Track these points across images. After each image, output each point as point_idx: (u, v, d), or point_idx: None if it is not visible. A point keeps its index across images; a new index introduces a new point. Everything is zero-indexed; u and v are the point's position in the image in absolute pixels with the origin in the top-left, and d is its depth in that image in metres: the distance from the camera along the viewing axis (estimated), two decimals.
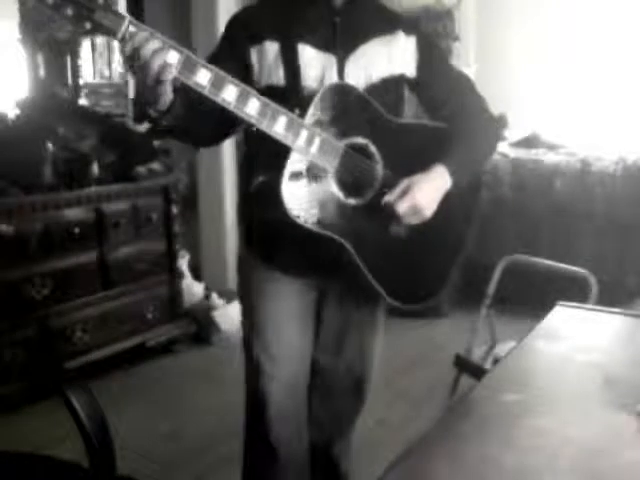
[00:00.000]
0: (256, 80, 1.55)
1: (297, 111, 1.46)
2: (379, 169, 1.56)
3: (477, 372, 2.32)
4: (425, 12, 4.72)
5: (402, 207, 1.49)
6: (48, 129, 3.12)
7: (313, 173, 1.49)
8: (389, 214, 1.52)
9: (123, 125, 3.58)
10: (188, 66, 1.34)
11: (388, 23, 1.63)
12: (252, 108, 1.40)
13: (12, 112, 3.23)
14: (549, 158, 4.17)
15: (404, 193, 1.50)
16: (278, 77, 1.54)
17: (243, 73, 1.52)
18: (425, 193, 1.51)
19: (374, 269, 1.57)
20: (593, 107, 4.50)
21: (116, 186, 3.29)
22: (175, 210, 3.55)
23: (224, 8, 3.93)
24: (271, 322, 1.69)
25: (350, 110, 1.52)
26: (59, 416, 1.51)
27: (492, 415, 1.20)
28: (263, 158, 1.56)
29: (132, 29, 1.30)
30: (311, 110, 1.46)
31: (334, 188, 1.51)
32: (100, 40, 3.59)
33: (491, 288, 2.61)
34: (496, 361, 2.22)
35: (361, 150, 1.54)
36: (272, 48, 1.54)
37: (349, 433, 1.89)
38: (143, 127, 1.51)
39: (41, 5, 1.25)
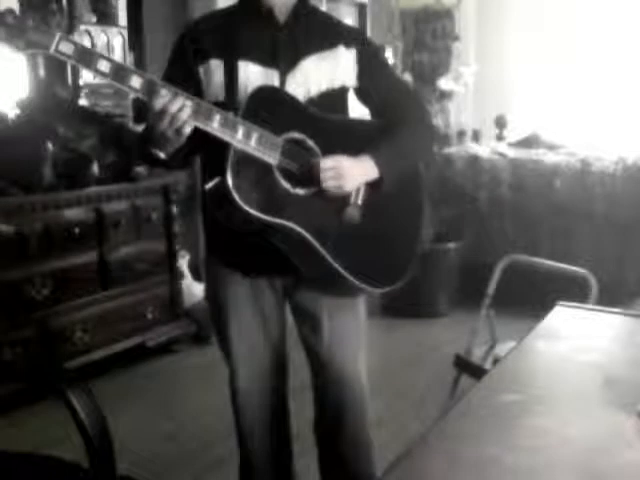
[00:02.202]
0: (203, 97, 1.60)
1: None
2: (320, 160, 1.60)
3: (477, 372, 2.31)
4: (425, 12, 4.72)
5: (327, 163, 1.56)
6: (48, 129, 3.12)
7: (258, 167, 1.52)
8: (314, 172, 1.56)
9: (123, 125, 3.58)
10: (120, 74, 1.42)
11: (329, 38, 1.70)
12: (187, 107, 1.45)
13: (12, 112, 3.23)
14: (549, 158, 4.16)
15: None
16: (222, 93, 1.61)
17: (195, 89, 1.59)
18: (350, 165, 1.59)
19: (333, 252, 1.62)
20: (593, 107, 4.50)
21: (116, 186, 3.29)
22: (175, 210, 3.56)
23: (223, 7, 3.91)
24: (231, 322, 1.79)
25: (281, 110, 1.58)
26: (59, 416, 1.51)
27: (492, 415, 1.20)
28: (213, 161, 1.59)
29: (63, 44, 1.38)
30: (241, 114, 1.52)
31: (280, 180, 1.55)
32: (100, 41, 3.60)
33: (491, 288, 2.60)
34: (496, 361, 2.21)
35: (299, 144, 1.59)
36: (217, 66, 1.62)
37: (347, 430, 1.87)
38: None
39: None
